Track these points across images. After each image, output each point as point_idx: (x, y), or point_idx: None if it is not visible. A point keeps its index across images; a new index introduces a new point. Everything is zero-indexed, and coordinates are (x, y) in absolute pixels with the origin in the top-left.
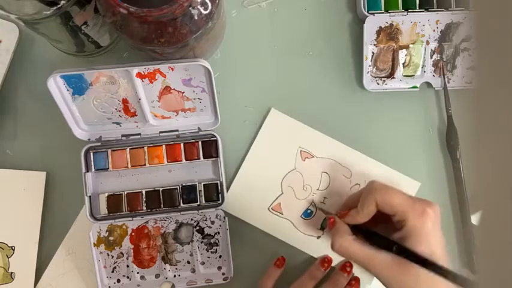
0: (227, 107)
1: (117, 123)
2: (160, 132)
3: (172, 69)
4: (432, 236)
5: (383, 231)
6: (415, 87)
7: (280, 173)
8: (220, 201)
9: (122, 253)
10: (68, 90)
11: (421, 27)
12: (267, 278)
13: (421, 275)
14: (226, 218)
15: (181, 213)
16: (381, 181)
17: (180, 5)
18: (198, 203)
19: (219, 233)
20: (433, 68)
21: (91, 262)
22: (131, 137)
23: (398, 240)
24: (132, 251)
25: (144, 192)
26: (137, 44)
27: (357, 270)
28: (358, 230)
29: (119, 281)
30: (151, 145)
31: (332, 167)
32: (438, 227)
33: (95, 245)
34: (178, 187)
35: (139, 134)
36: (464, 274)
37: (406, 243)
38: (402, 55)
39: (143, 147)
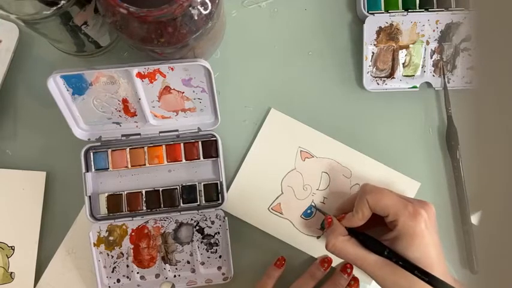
0: (227, 107)
1: (117, 123)
2: (160, 132)
3: (172, 69)
4: (426, 236)
5: (378, 234)
6: (415, 87)
7: (280, 173)
8: (220, 201)
9: (121, 253)
10: (68, 90)
11: (421, 27)
12: (267, 278)
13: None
14: (226, 218)
15: (181, 213)
16: (373, 183)
17: (179, 5)
18: (198, 203)
19: (219, 233)
20: (433, 68)
21: (91, 262)
22: (131, 137)
23: (391, 241)
24: (132, 251)
25: (144, 192)
26: (137, 44)
27: (357, 271)
28: (354, 233)
29: (118, 281)
30: (151, 145)
31: (332, 167)
32: (433, 228)
33: (95, 245)
34: (178, 187)
35: (139, 134)
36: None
37: (398, 243)
38: (402, 55)
39: (143, 147)
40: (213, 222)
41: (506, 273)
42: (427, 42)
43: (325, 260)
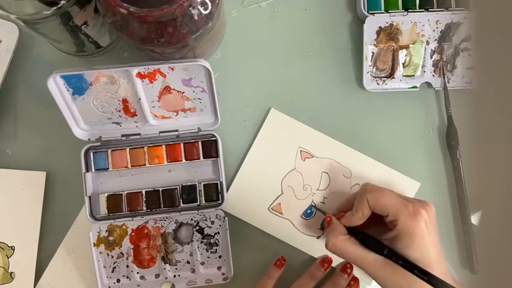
0: (227, 107)
1: (117, 123)
2: (160, 132)
3: (172, 69)
4: (426, 236)
5: (378, 233)
6: (415, 87)
7: (280, 173)
8: (220, 201)
9: (121, 253)
10: (68, 90)
11: (421, 27)
12: (267, 278)
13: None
14: (226, 218)
15: (181, 213)
16: (373, 183)
17: (180, 5)
18: (198, 203)
19: (219, 233)
20: (433, 68)
21: (91, 262)
22: (131, 137)
23: (391, 240)
24: (132, 251)
25: (144, 192)
26: (137, 44)
27: (357, 271)
28: (353, 232)
29: (118, 281)
30: (151, 145)
31: (332, 167)
32: (433, 228)
33: (94, 245)
34: (178, 187)
35: (139, 134)
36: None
37: (398, 243)
38: (402, 55)
39: (143, 147)
40: (213, 222)
41: (506, 273)
42: (427, 42)
43: (325, 260)
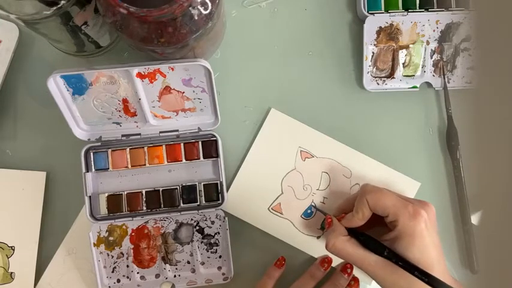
0: (227, 107)
1: (117, 123)
2: (160, 132)
3: (173, 69)
4: (426, 237)
5: (378, 234)
6: (415, 87)
7: (280, 173)
8: (220, 201)
9: (122, 253)
10: (68, 90)
11: (421, 27)
12: (267, 278)
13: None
14: (226, 218)
15: (181, 213)
16: (373, 183)
17: (180, 5)
18: (198, 203)
19: (219, 233)
20: (433, 68)
21: (91, 262)
22: (131, 137)
23: (391, 241)
24: (132, 251)
25: (144, 192)
26: (137, 44)
27: (357, 271)
28: (353, 233)
29: (119, 281)
30: (151, 145)
31: (332, 167)
32: (433, 228)
33: (95, 245)
34: (178, 187)
35: (140, 134)
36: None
37: (398, 243)
38: (402, 55)
39: (143, 147)
40: (213, 222)
41: (506, 273)
42: (427, 42)
43: (325, 260)
